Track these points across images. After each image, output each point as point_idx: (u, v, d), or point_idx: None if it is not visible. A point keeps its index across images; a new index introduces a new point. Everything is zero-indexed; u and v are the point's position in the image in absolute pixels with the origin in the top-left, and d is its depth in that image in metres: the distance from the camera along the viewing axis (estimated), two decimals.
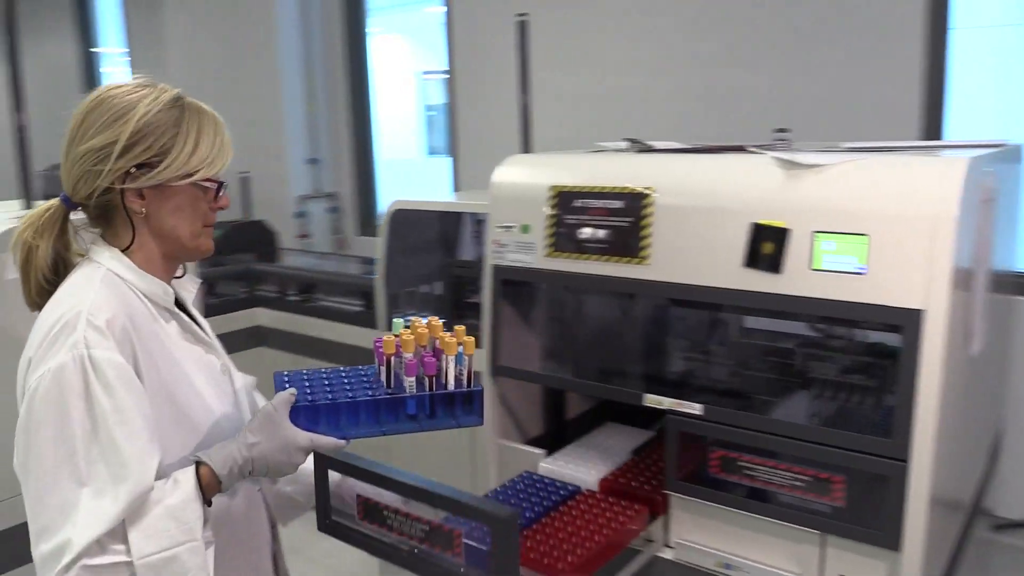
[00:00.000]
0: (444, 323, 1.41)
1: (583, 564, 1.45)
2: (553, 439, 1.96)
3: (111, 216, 1.24)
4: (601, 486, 1.70)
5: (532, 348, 1.85)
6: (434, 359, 1.33)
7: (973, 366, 1.52)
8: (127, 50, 6.33)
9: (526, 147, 2.94)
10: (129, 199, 1.21)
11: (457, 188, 4.49)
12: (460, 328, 1.36)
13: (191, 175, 1.22)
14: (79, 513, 1.06)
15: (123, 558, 1.07)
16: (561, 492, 1.67)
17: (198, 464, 1.16)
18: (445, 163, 4.60)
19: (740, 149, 1.64)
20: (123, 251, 1.23)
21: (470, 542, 1.17)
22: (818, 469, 1.39)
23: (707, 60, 3.31)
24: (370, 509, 1.26)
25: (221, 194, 1.29)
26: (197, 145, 1.23)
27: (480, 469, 1.92)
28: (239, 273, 3.77)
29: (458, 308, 2.98)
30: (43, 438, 1.09)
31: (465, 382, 1.35)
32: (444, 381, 1.34)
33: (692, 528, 1.57)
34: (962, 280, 1.36)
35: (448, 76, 4.41)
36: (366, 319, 3.27)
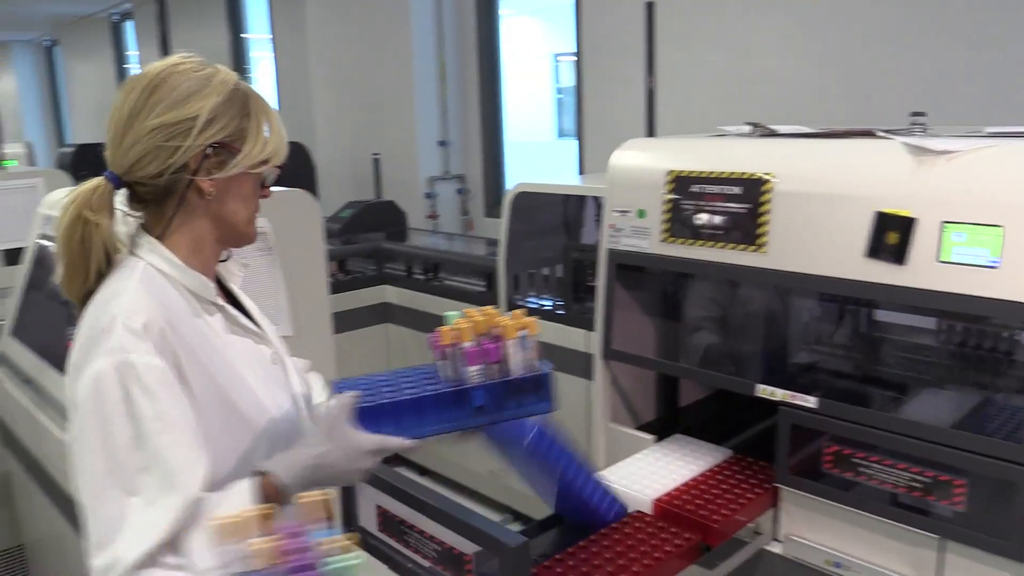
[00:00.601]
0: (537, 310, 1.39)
1: None
2: (664, 426, 1.96)
3: (164, 199, 1.16)
4: (655, 507, 1.55)
5: (645, 333, 1.84)
6: (495, 344, 1.25)
7: None
8: (271, 36, 6.64)
9: (650, 130, 2.91)
10: (200, 180, 1.14)
11: (583, 171, 4.49)
12: (518, 312, 1.31)
13: (265, 163, 1.17)
14: (129, 525, 1.01)
15: (179, 574, 1.01)
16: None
17: (260, 474, 1.09)
18: (573, 145, 4.61)
19: (868, 134, 1.57)
20: (163, 238, 1.17)
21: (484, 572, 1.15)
22: (939, 471, 1.33)
23: (842, 40, 3.17)
24: (388, 520, 1.26)
25: (270, 183, 1.23)
26: (270, 130, 1.19)
27: (592, 453, 1.93)
28: (368, 251, 3.91)
29: (577, 291, 2.99)
30: (89, 449, 1.04)
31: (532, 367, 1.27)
32: (509, 368, 1.26)
33: (802, 523, 1.54)
34: None
35: (577, 58, 4.40)
36: (488, 299, 3.34)
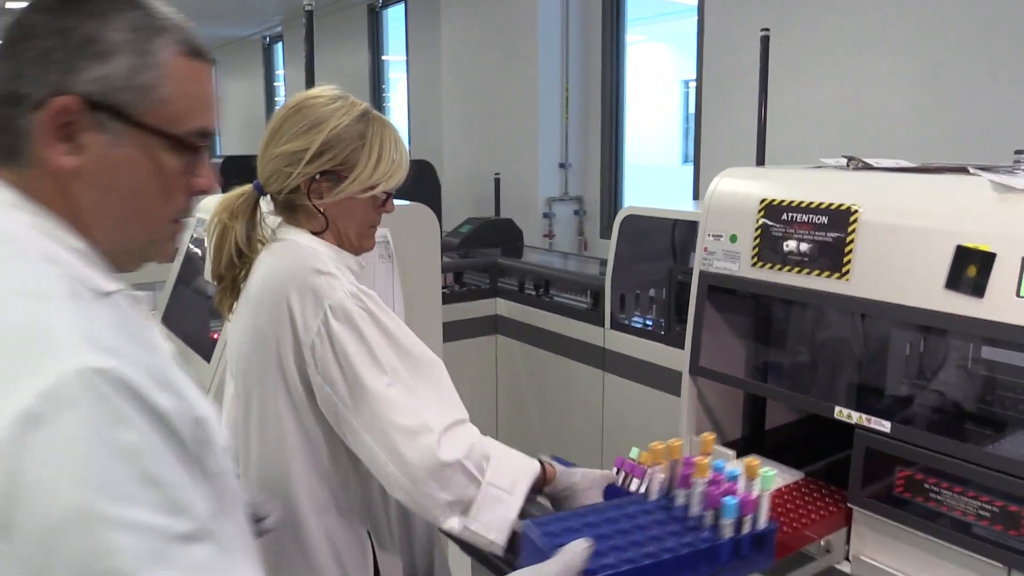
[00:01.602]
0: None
1: None
2: (748, 445, 2.02)
3: (295, 208, 1.39)
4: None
5: (731, 352, 1.92)
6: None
7: None
8: (407, 57, 7.01)
9: (760, 159, 2.97)
10: (312, 200, 1.36)
11: (697, 196, 4.55)
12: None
13: (373, 188, 1.35)
14: (429, 407, 1.24)
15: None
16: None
17: None
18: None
19: (962, 170, 1.61)
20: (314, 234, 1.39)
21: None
22: (1006, 500, 1.36)
23: (954, 78, 3.13)
24: None
25: (389, 201, 1.42)
26: (380, 159, 1.35)
27: None
28: (483, 265, 4.10)
29: (680, 313, 3.06)
30: (359, 363, 1.23)
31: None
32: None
33: (872, 545, 1.58)
34: None
35: (697, 84, 4.48)
36: (594, 317, 3.45)
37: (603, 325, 3.37)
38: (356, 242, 1.43)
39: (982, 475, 1.38)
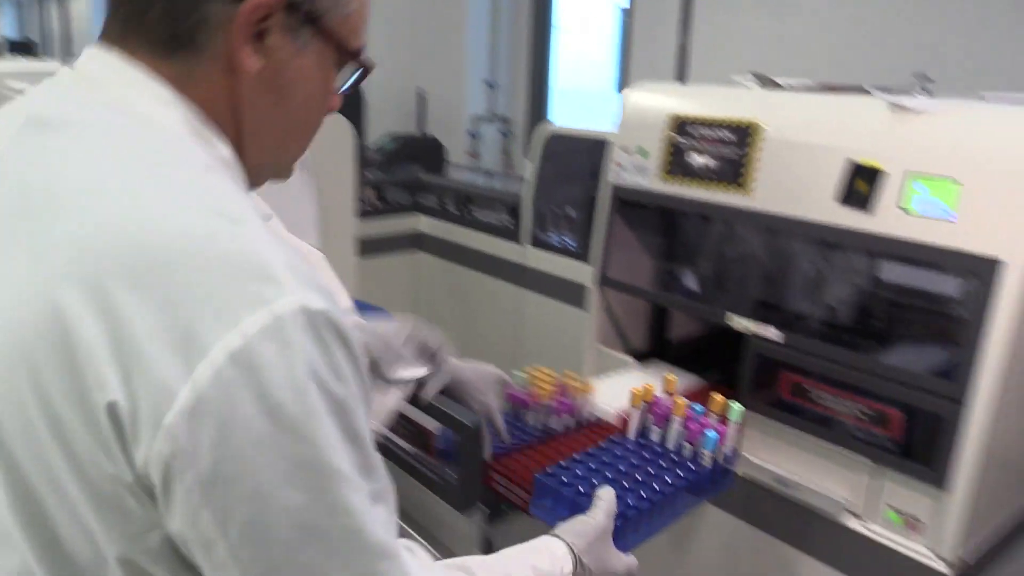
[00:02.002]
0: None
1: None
2: (651, 355, 2.10)
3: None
4: (618, 420, 1.61)
5: (638, 265, 1.98)
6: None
7: None
8: None
9: (680, 79, 2.99)
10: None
11: None
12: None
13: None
14: None
15: None
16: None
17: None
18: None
19: (862, 90, 1.66)
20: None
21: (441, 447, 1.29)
22: (880, 403, 1.46)
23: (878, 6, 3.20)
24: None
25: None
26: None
27: (578, 370, 2.08)
28: (405, 182, 4.07)
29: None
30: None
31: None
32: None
33: (758, 445, 1.67)
34: None
35: (627, 11, 4.46)
36: (514, 235, 3.48)
37: (523, 243, 3.40)
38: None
39: (860, 380, 1.47)
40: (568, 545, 1.00)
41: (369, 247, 3.90)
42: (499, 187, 4.35)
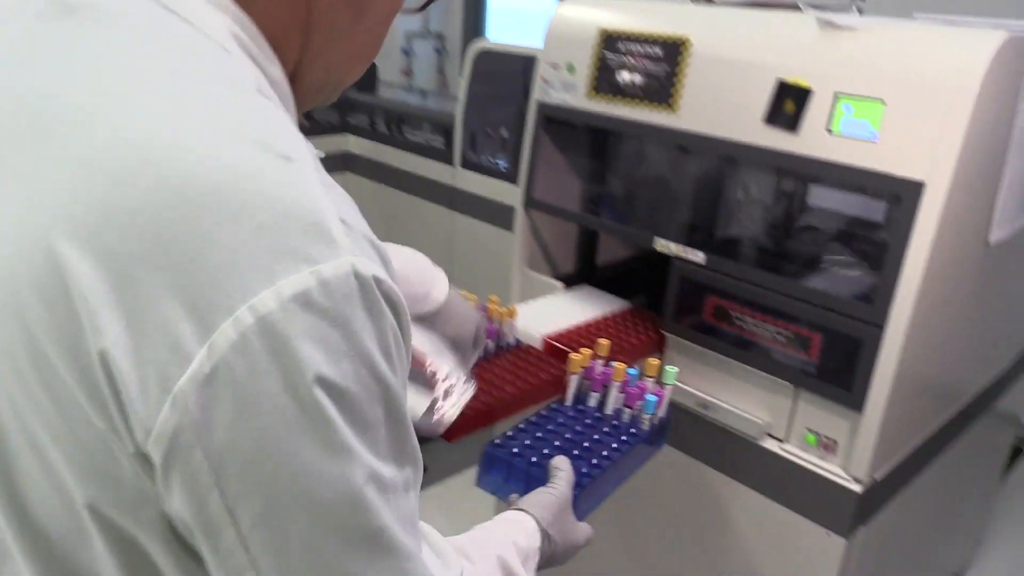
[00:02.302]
0: None
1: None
2: (580, 278, 2.07)
3: None
4: (544, 344, 1.63)
5: (565, 186, 1.92)
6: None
7: (991, 255, 1.52)
8: None
9: None
10: None
11: None
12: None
13: None
14: None
15: None
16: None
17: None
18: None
19: (795, 7, 1.61)
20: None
21: None
22: (800, 326, 1.45)
23: None
24: None
25: None
26: None
27: (506, 294, 2.05)
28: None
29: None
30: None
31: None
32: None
33: (683, 370, 1.66)
34: (983, 162, 1.34)
35: None
36: (445, 156, 3.39)
37: (454, 164, 3.32)
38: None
39: (781, 303, 1.46)
40: (536, 520, 0.96)
41: None
42: (434, 107, 4.22)
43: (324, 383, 0.50)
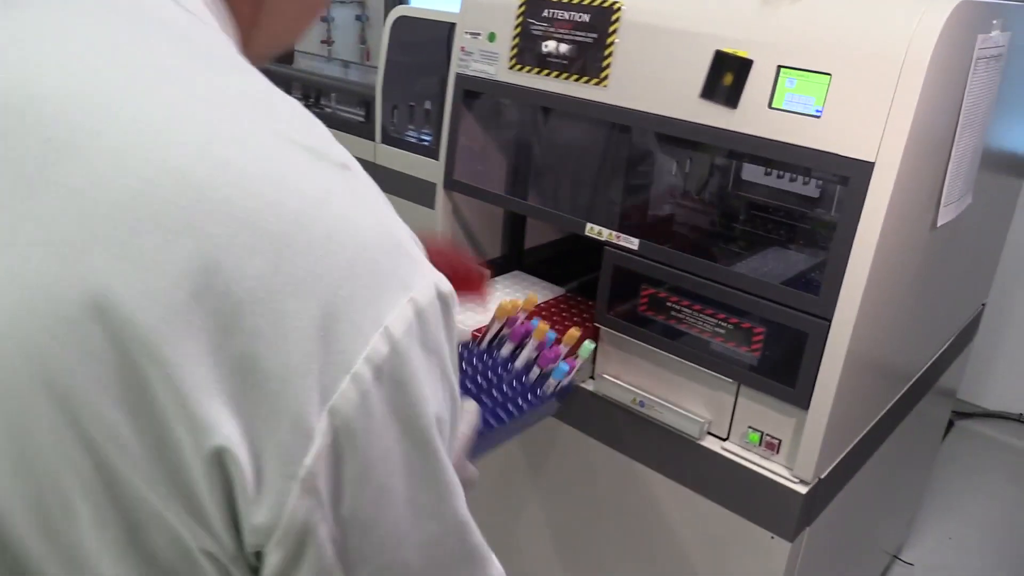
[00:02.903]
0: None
1: None
2: (508, 264, 1.94)
3: None
4: (472, 336, 1.52)
5: (488, 166, 1.78)
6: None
7: (939, 237, 1.43)
8: None
9: None
10: None
11: None
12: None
13: None
14: None
15: None
16: None
17: None
18: None
19: None
20: None
21: None
22: (741, 318, 1.35)
23: None
24: None
25: None
26: None
27: None
28: None
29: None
30: None
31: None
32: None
33: (617, 364, 1.55)
34: (932, 140, 1.25)
35: None
36: (366, 130, 3.20)
37: (375, 139, 3.14)
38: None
39: (719, 292, 1.36)
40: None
41: None
42: (354, 78, 4.01)
43: (425, 419, 0.46)
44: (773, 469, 1.38)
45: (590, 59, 1.46)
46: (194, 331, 0.39)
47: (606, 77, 1.45)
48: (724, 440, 1.45)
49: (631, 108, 1.42)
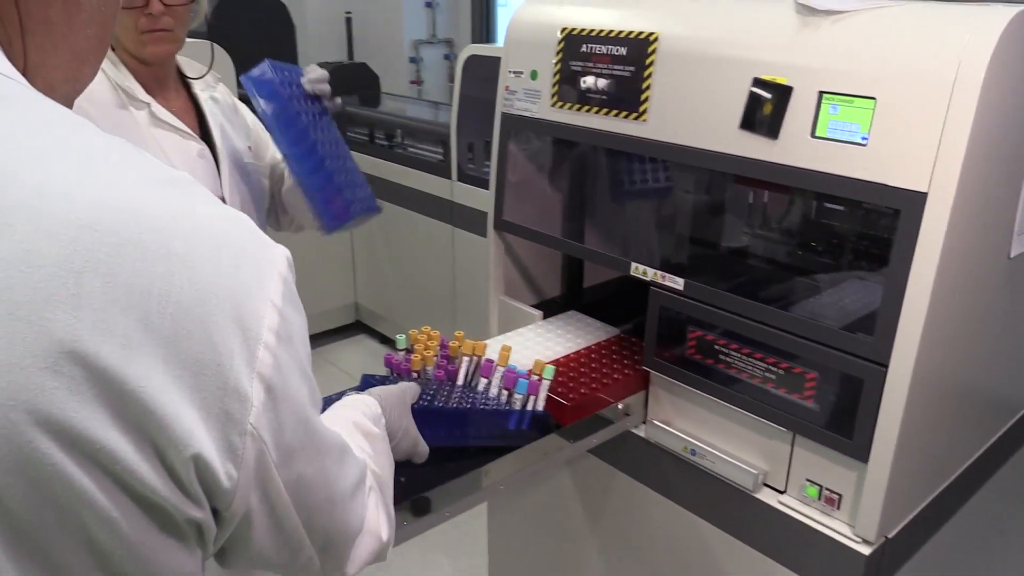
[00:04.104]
0: None
1: None
2: (567, 303, 1.89)
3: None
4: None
5: (538, 205, 1.74)
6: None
7: (1017, 268, 1.30)
8: None
9: None
10: None
11: None
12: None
13: None
14: None
15: None
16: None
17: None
18: None
19: None
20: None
21: None
22: (792, 363, 1.25)
23: None
24: None
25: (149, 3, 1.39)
26: None
27: (488, 326, 1.87)
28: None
29: None
30: None
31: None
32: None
33: (668, 409, 1.48)
34: (997, 164, 1.13)
35: None
36: (443, 169, 3.23)
37: (450, 177, 3.16)
38: (134, 49, 1.43)
39: (767, 334, 1.26)
40: (375, 398, 1.07)
41: None
42: (445, 119, 4.07)
43: (307, 360, 0.61)
44: (833, 526, 1.26)
45: (628, 93, 1.41)
46: (148, 350, 0.48)
47: (644, 111, 1.39)
48: (781, 493, 1.34)
49: (670, 142, 1.35)
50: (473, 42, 4.97)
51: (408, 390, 1.19)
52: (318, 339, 3.91)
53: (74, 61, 0.60)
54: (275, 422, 0.55)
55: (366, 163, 3.68)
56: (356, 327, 4.11)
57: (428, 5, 4.96)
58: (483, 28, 4.96)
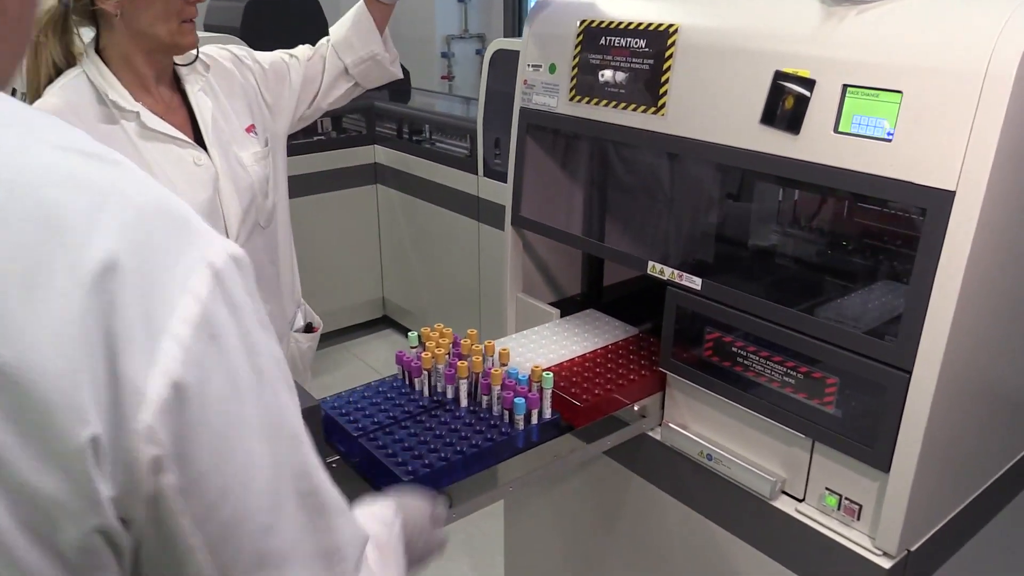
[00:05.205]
0: None
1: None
2: (586, 301, 1.85)
3: (91, 20, 1.39)
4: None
5: (557, 201, 1.71)
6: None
7: None
8: None
9: None
10: (101, 1, 1.33)
11: None
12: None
13: None
14: None
15: None
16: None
17: None
18: None
19: None
20: (97, 51, 1.39)
21: None
22: (812, 367, 1.21)
23: None
24: None
25: None
26: None
27: (504, 323, 1.84)
28: (360, 109, 3.77)
29: None
30: None
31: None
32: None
33: (684, 411, 1.44)
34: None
35: None
36: (469, 164, 3.20)
37: (477, 172, 3.13)
38: (168, 40, 1.38)
39: (786, 337, 1.22)
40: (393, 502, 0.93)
41: (328, 181, 3.65)
42: (473, 114, 4.04)
43: (247, 371, 0.52)
44: (853, 537, 1.22)
45: (647, 87, 1.37)
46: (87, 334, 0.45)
47: (663, 105, 1.35)
48: (800, 501, 1.30)
49: (688, 137, 1.31)
50: (505, 36, 4.94)
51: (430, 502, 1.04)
52: (345, 333, 3.91)
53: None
54: (181, 429, 0.47)
55: (395, 158, 3.67)
56: (383, 322, 4.11)
57: (460, 0, 4.95)
58: (515, 22, 4.93)
